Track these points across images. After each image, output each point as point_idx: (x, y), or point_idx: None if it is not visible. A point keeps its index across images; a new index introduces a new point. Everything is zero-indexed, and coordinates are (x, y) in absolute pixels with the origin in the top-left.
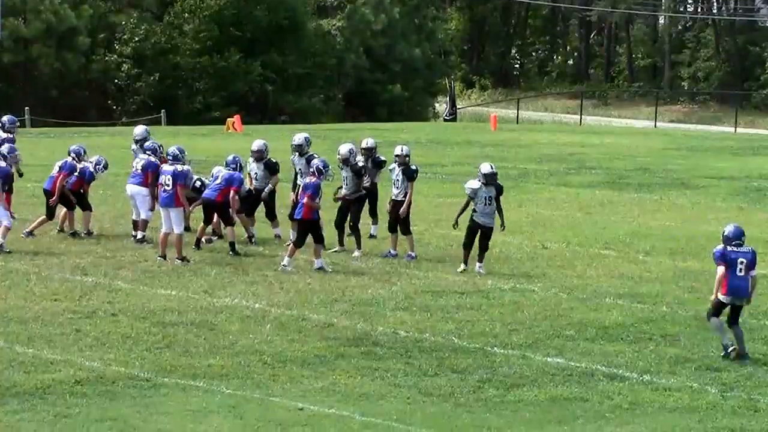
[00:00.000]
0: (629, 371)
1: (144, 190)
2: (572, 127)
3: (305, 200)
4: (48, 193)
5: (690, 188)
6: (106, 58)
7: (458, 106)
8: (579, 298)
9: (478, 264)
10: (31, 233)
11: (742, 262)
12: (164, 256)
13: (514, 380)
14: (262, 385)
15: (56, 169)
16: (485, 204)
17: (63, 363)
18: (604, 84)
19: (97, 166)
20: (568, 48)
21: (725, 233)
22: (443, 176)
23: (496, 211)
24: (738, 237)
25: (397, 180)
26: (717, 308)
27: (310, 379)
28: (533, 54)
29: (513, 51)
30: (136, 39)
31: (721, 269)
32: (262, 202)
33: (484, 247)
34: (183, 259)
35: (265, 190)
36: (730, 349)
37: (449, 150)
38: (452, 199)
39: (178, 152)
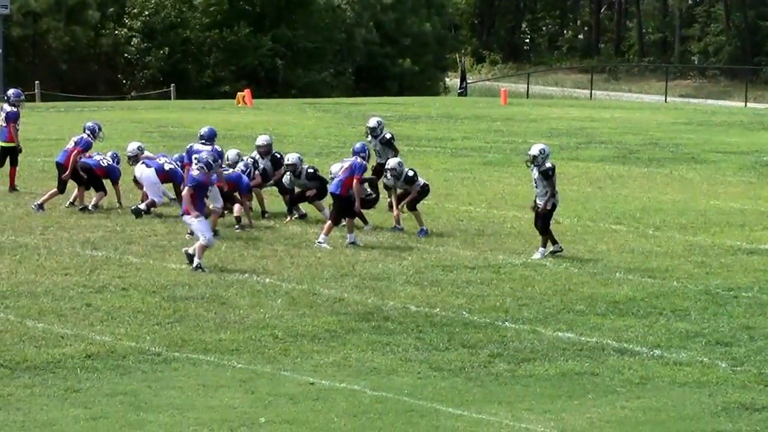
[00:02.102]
0: (640, 346)
1: (153, 177)
2: (582, 101)
3: (354, 183)
4: (60, 167)
5: (700, 163)
6: (116, 32)
7: (468, 81)
8: (589, 273)
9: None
10: (41, 206)
11: None
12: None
13: (525, 355)
14: (272, 359)
15: (71, 143)
16: (534, 186)
17: (74, 337)
18: (614, 58)
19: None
20: (579, 22)
21: None
22: (453, 150)
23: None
24: None
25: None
26: None
27: (321, 354)
28: (543, 28)
29: (523, 25)
30: (146, 13)
31: None
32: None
33: (539, 230)
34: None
35: (270, 182)
36: None
37: (459, 124)
38: (462, 174)
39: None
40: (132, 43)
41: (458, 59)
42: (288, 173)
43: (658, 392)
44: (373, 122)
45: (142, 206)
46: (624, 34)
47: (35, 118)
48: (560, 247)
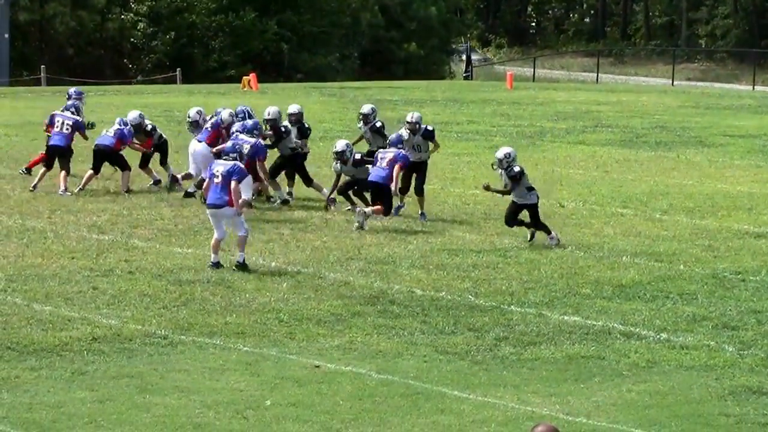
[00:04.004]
0: (646, 329)
1: (207, 151)
2: (589, 85)
3: (395, 169)
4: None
5: (707, 146)
6: (122, 16)
7: (474, 65)
8: (596, 257)
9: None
10: (128, 190)
11: None
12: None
13: (531, 338)
14: (278, 342)
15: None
16: (505, 185)
17: (80, 320)
18: (620, 42)
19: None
20: (585, 6)
21: None
22: (458, 134)
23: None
24: None
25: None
26: None
27: (327, 337)
28: (549, 12)
29: (529, 9)
30: None
31: None
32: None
33: (508, 224)
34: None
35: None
36: None
37: (465, 108)
38: (468, 158)
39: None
40: (138, 28)
41: (463, 43)
42: (337, 161)
43: (664, 376)
44: (367, 108)
45: (191, 189)
46: (630, 18)
47: (41, 103)
48: (530, 238)
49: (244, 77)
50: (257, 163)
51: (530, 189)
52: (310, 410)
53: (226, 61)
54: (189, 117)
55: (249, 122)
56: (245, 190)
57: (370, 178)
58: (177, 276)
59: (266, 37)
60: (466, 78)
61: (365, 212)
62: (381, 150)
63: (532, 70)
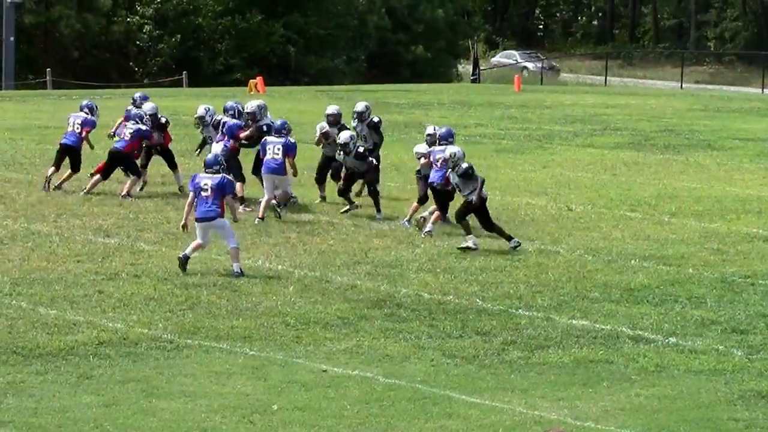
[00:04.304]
0: (654, 333)
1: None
2: (597, 88)
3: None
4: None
5: (716, 150)
6: (128, 19)
7: (481, 68)
8: (604, 260)
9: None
10: (128, 195)
11: None
12: (263, 218)
13: (539, 342)
14: (285, 346)
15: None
16: (457, 188)
17: (86, 324)
18: (629, 45)
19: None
20: (593, 8)
21: None
22: (466, 138)
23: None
24: None
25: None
26: None
27: (334, 341)
28: (557, 14)
29: (537, 11)
30: (158, 0)
31: None
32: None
33: (456, 221)
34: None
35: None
36: None
37: (472, 111)
38: (475, 161)
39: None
40: (144, 31)
41: (470, 45)
42: (340, 152)
43: (673, 380)
44: (361, 107)
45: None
46: (639, 20)
47: (47, 106)
48: (473, 244)
49: (251, 80)
50: (288, 160)
51: (480, 186)
52: (317, 414)
53: (232, 64)
54: (196, 113)
55: (277, 122)
56: (286, 186)
57: (432, 183)
58: (183, 279)
59: (273, 40)
60: (473, 81)
61: (424, 218)
62: (435, 150)
63: (540, 73)
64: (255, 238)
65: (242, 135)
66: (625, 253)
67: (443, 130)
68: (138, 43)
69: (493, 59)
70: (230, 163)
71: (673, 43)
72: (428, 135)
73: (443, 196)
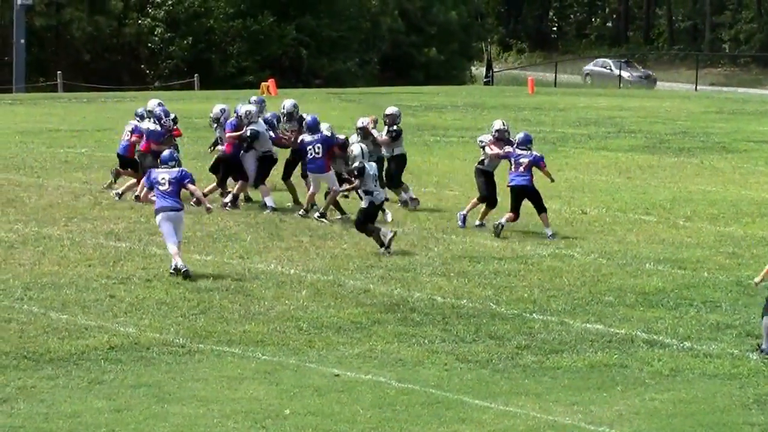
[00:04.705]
0: (669, 337)
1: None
2: (611, 90)
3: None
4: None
5: (731, 152)
6: (139, 21)
7: (495, 70)
8: (619, 264)
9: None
10: (137, 198)
11: None
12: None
13: (553, 346)
14: (298, 351)
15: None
16: None
17: (97, 329)
18: (643, 46)
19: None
20: (607, 10)
21: None
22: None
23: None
24: None
25: None
26: None
27: (347, 346)
28: (571, 16)
29: (551, 13)
30: (169, 2)
31: None
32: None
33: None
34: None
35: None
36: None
37: (486, 114)
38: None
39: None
40: (155, 33)
41: (484, 48)
42: (358, 135)
43: (688, 384)
44: (394, 110)
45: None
46: (653, 22)
47: (58, 109)
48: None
49: (263, 83)
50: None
51: (367, 191)
52: (330, 419)
53: (244, 67)
54: (212, 113)
55: (309, 118)
56: (332, 182)
57: (512, 184)
58: (195, 284)
59: (285, 42)
60: (486, 83)
61: (502, 224)
62: (515, 153)
63: (554, 75)
64: (267, 242)
65: (229, 135)
66: (639, 256)
67: (522, 135)
68: (149, 45)
69: (586, 67)
70: (232, 161)
71: (687, 45)
72: (497, 131)
73: (533, 197)
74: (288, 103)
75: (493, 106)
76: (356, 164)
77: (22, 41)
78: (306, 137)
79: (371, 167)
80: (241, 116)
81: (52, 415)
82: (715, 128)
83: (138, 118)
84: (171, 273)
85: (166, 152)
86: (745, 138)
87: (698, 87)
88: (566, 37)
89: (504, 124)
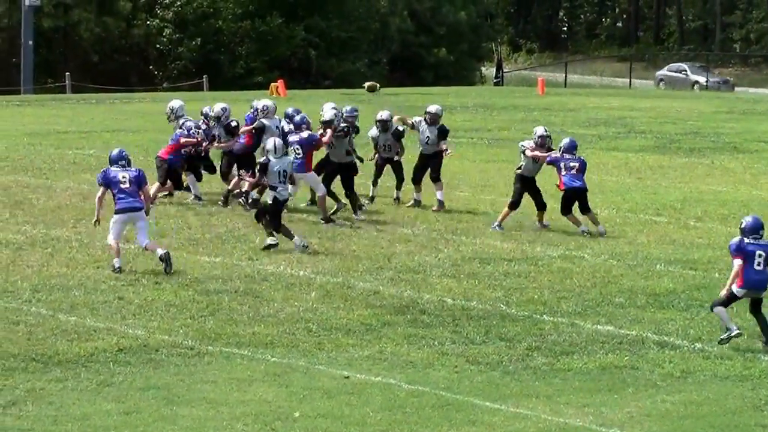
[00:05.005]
0: (680, 339)
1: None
2: (621, 90)
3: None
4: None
5: (742, 152)
6: (148, 22)
7: (504, 70)
8: (629, 265)
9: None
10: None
11: (760, 255)
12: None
13: (564, 348)
14: (307, 353)
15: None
16: None
17: (106, 331)
18: (653, 47)
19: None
20: (617, 10)
21: (743, 225)
22: (489, 141)
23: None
24: (757, 230)
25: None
26: (728, 300)
27: (356, 348)
28: (581, 16)
29: (560, 13)
30: (178, 3)
31: (738, 263)
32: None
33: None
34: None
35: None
36: (734, 333)
37: (495, 114)
38: (499, 164)
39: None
40: (164, 34)
41: (493, 48)
42: (378, 128)
43: (699, 386)
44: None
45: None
46: (663, 22)
47: (66, 111)
48: (275, 242)
49: (272, 84)
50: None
51: (271, 186)
52: (340, 422)
53: (253, 68)
54: (212, 110)
55: (297, 117)
56: (313, 182)
57: (572, 186)
58: (204, 285)
59: (294, 43)
60: (496, 84)
61: (588, 230)
62: (564, 158)
63: (564, 75)
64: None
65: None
66: (650, 257)
67: (567, 141)
68: (158, 46)
69: (659, 72)
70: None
71: (698, 44)
72: (539, 137)
73: (579, 199)
74: (217, 107)
75: (502, 106)
76: (262, 159)
77: (30, 42)
78: (291, 137)
79: (281, 163)
80: (257, 110)
81: (60, 417)
82: (725, 128)
83: (204, 119)
84: (115, 269)
85: (115, 151)
86: (756, 138)
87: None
88: (576, 37)
89: (546, 131)
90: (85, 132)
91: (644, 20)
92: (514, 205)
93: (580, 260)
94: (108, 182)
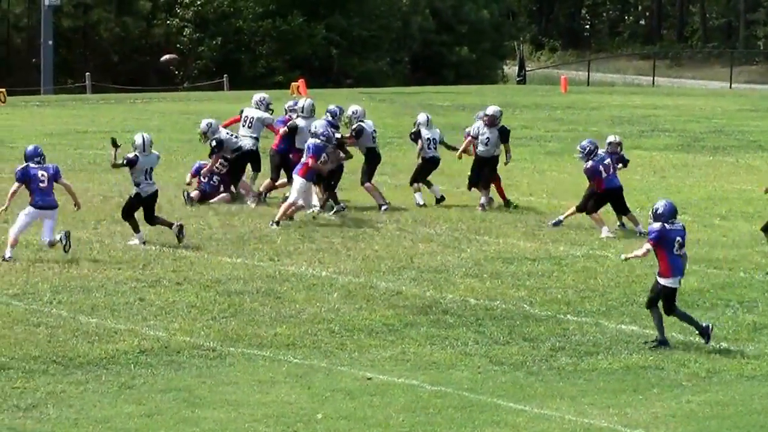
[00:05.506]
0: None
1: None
2: (645, 88)
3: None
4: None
5: (766, 150)
6: (168, 22)
7: (527, 69)
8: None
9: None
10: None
11: (678, 241)
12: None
13: (588, 348)
14: (329, 354)
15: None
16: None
17: (127, 332)
18: (677, 44)
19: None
20: (640, 8)
21: (660, 211)
22: (512, 140)
23: None
24: (674, 214)
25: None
26: (672, 298)
27: (379, 348)
28: (604, 14)
29: (583, 11)
30: (198, 3)
31: (648, 247)
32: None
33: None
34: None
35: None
36: (659, 339)
37: (518, 113)
38: (522, 164)
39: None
40: (184, 34)
41: (516, 46)
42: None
43: (725, 386)
44: (493, 110)
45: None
46: (687, 19)
47: (86, 111)
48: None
49: (293, 83)
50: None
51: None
52: (362, 423)
53: (274, 67)
54: (297, 105)
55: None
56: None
57: (613, 185)
58: (225, 286)
59: (315, 42)
60: (519, 82)
61: (611, 230)
62: (609, 155)
63: (587, 73)
64: (298, 243)
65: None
66: None
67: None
68: (178, 46)
69: None
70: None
71: (721, 42)
72: (609, 143)
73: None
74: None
75: (525, 105)
76: (129, 155)
77: (50, 42)
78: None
79: (148, 160)
80: (286, 109)
81: (81, 420)
82: (750, 126)
83: (290, 112)
84: (5, 259)
85: (30, 147)
86: None
87: (733, 85)
88: (599, 35)
89: (615, 138)
90: (105, 132)
91: (667, 18)
92: (582, 209)
93: (604, 260)
94: (27, 179)
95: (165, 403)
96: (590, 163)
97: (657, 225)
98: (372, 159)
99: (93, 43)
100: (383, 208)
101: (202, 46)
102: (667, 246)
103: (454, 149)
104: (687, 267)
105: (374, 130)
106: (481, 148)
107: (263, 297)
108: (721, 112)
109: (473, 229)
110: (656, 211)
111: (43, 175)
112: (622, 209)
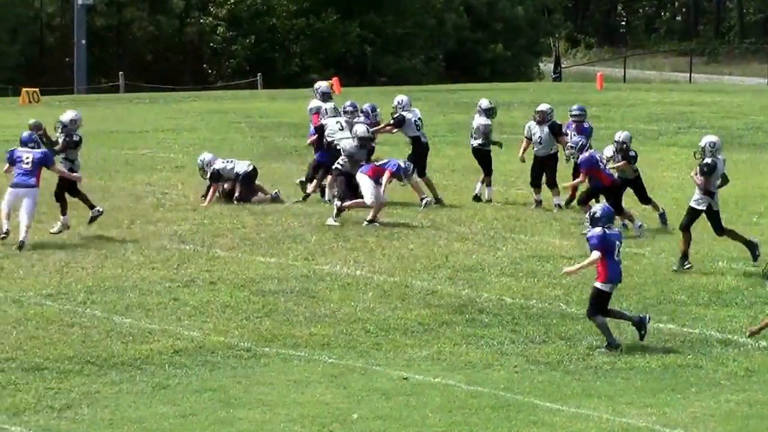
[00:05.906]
0: (744, 337)
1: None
2: (681, 85)
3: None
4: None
5: None
6: (201, 20)
7: (563, 65)
8: (690, 262)
9: None
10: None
11: (617, 246)
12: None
13: (625, 347)
14: (365, 354)
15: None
16: None
17: (161, 333)
18: (714, 41)
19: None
20: (676, 4)
21: (598, 215)
22: None
23: None
24: (612, 218)
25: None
26: (603, 303)
27: (414, 348)
28: (640, 10)
29: (619, 8)
30: (231, 1)
31: (597, 255)
32: None
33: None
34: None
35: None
36: (615, 344)
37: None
38: (558, 162)
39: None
40: (217, 32)
41: (552, 43)
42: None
43: (764, 385)
44: (545, 107)
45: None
46: (724, 15)
47: (119, 110)
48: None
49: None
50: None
51: None
52: (398, 423)
53: (307, 65)
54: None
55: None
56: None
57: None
58: (260, 286)
59: (349, 40)
60: (555, 79)
61: (642, 226)
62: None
63: (623, 70)
64: (332, 242)
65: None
66: (711, 254)
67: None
68: (211, 44)
69: None
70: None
71: (759, 38)
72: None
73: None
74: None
75: (561, 102)
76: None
77: (83, 42)
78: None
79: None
80: (311, 109)
81: (116, 421)
82: None
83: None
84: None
85: (26, 133)
86: None
87: None
88: (635, 31)
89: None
90: (139, 132)
91: (704, 14)
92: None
93: (640, 258)
94: (13, 161)
95: (200, 404)
96: (586, 154)
97: (598, 230)
98: (418, 148)
99: (126, 42)
100: (425, 201)
101: (235, 45)
102: (608, 251)
103: (500, 145)
104: (726, 265)
105: (419, 118)
106: (536, 148)
107: (298, 297)
108: (758, 108)
109: (509, 228)
110: (594, 215)
111: (27, 158)
112: (618, 207)
